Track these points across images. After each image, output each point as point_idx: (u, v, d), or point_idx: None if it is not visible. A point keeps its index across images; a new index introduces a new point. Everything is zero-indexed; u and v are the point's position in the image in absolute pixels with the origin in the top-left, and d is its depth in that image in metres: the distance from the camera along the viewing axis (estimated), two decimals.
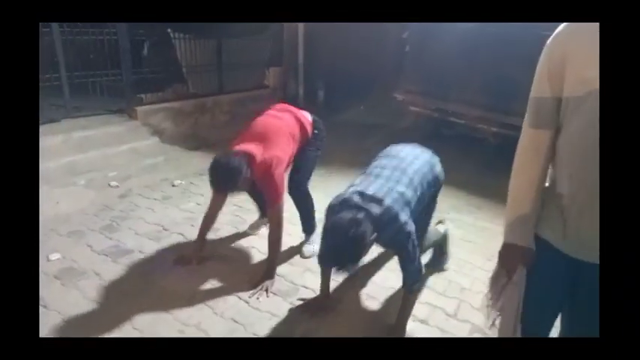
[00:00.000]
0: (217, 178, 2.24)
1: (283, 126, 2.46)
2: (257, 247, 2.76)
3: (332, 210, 1.87)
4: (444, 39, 4.40)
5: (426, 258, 2.50)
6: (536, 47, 4.28)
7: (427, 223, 2.31)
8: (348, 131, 5.61)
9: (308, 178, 2.79)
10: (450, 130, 5.07)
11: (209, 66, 5.28)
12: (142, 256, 2.61)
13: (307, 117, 2.64)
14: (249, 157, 2.24)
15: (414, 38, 4.79)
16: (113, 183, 3.57)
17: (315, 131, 2.65)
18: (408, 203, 1.89)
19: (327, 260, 1.95)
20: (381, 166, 2.06)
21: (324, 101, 6.56)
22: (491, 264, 2.70)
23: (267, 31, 5.97)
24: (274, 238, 2.40)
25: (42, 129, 3.78)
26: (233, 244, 2.82)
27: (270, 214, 2.43)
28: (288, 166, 2.50)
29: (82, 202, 3.25)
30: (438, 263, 2.65)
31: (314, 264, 2.61)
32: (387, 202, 1.82)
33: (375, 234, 1.76)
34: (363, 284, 2.49)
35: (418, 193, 1.98)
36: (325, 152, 4.66)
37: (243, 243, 2.84)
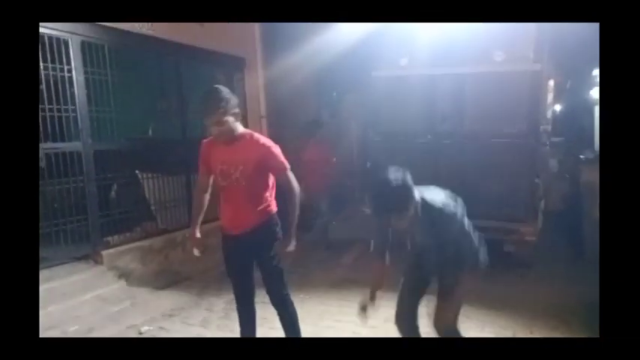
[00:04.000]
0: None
1: None
2: None
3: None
4: (402, 153, 4.68)
5: None
6: (489, 154, 4.56)
7: None
8: (323, 249, 5.55)
9: (282, 282, 2.63)
10: None
11: (178, 200, 5.31)
12: None
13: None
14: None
15: (374, 155, 5.08)
16: None
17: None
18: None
19: (379, 211, 2.17)
20: None
21: None
22: None
23: None
24: (293, 202, 2.45)
25: None
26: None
27: (284, 181, 2.45)
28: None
29: None
30: None
31: None
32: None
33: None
34: None
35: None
36: (302, 274, 4.59)
37: None
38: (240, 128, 2.43)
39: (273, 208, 2.58)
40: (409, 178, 2.02)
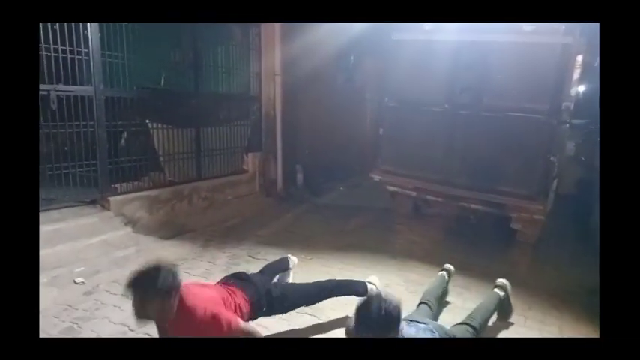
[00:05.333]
0: (131, 289, 1.86)
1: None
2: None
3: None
4: (417, 122, 4.58)
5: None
6: (506, 128, 4.45)
7: None
8: (329, 213, 5.57)
9: (305, 300, 2.68)
10: (430, 208, 5.07)
11: (187, 154, 5.30)
12: None
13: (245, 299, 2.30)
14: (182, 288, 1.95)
15: (388, 122, 4.98)
16: (79, 279, 3.34)
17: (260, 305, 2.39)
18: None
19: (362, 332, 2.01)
20: None
21: (303, 184, 6.59)
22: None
23: (246, 118, 6.15)
24: None
25: None
26: None
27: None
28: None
29: (43, 302, 2.97)
30: (504, 317, 2.98)
31: None
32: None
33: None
34: None
35: None
36: (306, 236, 4.63)
37: None
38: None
39: None
40: (398, 313, 1.89)
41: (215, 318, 1.98)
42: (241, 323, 2.06)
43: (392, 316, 1.83)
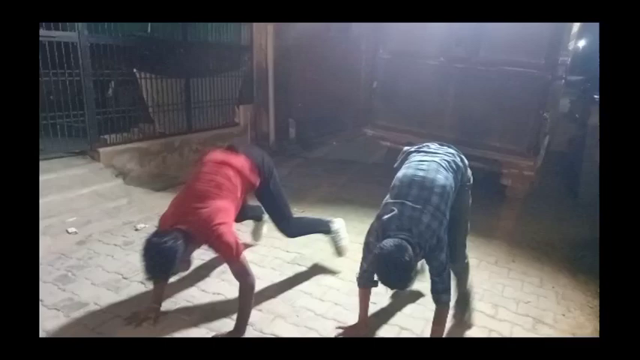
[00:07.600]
0: (150, 265, 1.97)
1: (222, 184, 2.26)
2: (224, 293, 2.61)
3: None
4: (411, 75, 4.49)
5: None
6: (500, 83, 4.38)
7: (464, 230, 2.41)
8: (321, 167, 5.58)
9: (288, 211, 2.77)
10: None
11: (177, 105, 5.20)
12: (97, 308, 2.42)
13: (246, 164, 2.42)
14: (184, 233, 2.02)
15: (382, 74, 4.88)
16: (71, 229, 3.36)
17: (264, 171, 2.54)
18: (442, 214, 2.03)
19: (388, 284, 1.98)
20: (406, 185, 2.13)
21: (295, 138, 6.54)
22: (476, 302, 2.66)
23: (237, 69, 5.99)
24: (245, 295, 2.20)
25: None
26: (197, 291, 2.65)
27: (234, 272, 2.20)
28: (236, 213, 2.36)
29: None
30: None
31: (285, 310, 2.49)
32: (421, 228, 1.94)
33: (419, 257, 1.92)
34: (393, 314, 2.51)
35: (448, 201, 2.11)
36: (298, 189, 4.66)
37: (208, 289, 2.68)
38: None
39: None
40: (413, 258, 1.83)
41: (222, 241, 2.10)
42: (242, 255, 2.18)
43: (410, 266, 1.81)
